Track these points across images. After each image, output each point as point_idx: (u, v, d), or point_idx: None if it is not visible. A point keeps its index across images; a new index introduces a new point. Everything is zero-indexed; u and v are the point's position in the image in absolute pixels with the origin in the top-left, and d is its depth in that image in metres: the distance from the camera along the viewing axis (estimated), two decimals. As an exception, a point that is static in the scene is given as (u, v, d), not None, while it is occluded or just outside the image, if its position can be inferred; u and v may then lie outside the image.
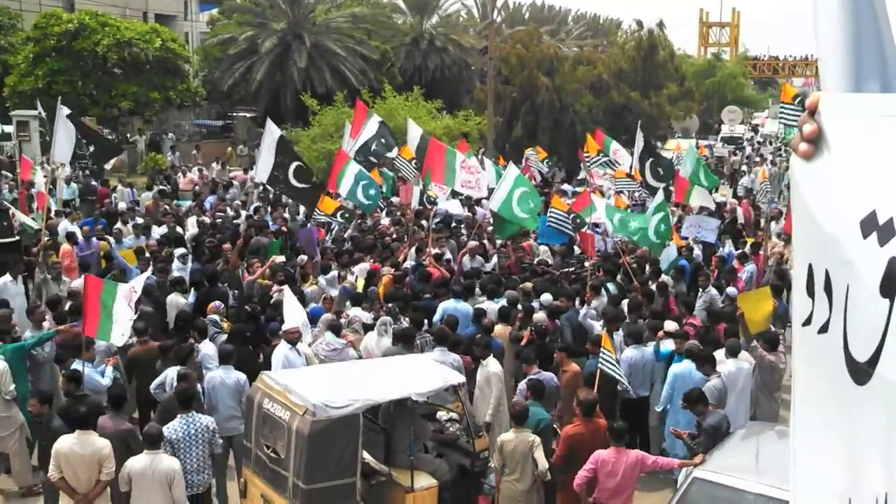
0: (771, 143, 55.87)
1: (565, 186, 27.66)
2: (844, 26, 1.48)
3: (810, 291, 1.46)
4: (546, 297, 13.18)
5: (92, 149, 15.06)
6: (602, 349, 10.01)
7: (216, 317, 11.80)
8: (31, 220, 15.74)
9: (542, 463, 8.68)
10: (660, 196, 16.47)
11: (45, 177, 17.47)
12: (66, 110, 14.52)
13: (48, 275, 13.51)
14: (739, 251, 18.03)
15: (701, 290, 14.56)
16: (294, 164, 15.63)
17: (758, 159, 43.01)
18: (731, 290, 14.13)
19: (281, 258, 15.12)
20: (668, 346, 11.37)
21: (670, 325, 11.88)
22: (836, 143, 1.40)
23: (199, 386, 9.79)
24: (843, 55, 1.50)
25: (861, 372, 1.33)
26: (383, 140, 19.17)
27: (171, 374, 9.97)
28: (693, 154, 19.55)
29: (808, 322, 1.47)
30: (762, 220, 23.83)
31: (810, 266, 1.46)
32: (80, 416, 8.30)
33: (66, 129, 14.23)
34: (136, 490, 8.14)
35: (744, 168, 38.48)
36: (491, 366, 10.63)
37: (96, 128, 22.88)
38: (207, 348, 10.78)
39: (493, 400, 10.44)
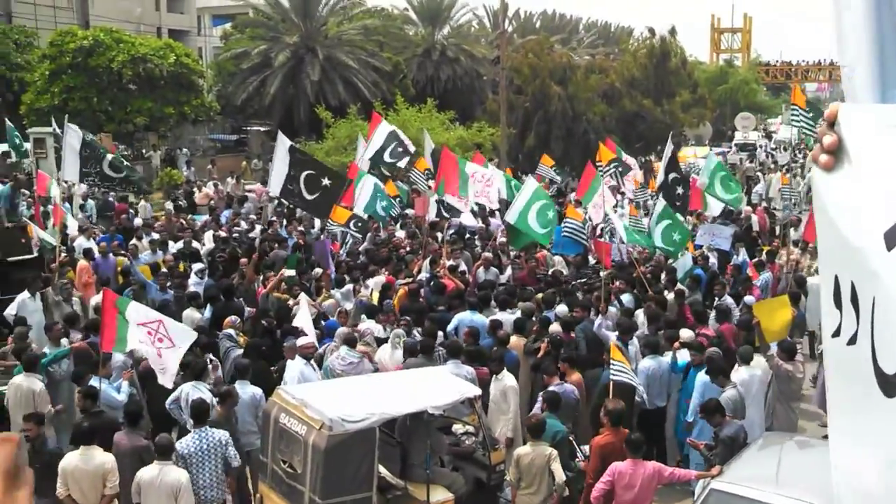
0: (786, 150, 55.58)
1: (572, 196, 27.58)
2: (868, 35, 1.48)
3: (837, 303, 1.45)
4: (561, 309, 13.17)
5: (111, 171, 14.99)
6: (612, 360, 9.98)
7: (232, 331, 11.85)
8: (49, 236, 15.82)
9: (560, 476, 8.66)
10: (661, 203, 16.48)
11: (62, 193, 17.59)
12: (75, 129, 14.53)
13: (59, 297, 13.54)
14: (755, 259, 17.98)
15: (717, 298, 14.50)
16: (304, 174, 15.60)
17: (772, 166, 42.76)
18: (748, 298, 14.07)
19: (291, 272, 15.14)
20: (683, 357, 11.34)
21: (686, 334, 11.84)
22: (856, 155, 1.39)
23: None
24: (868, 64, 1.49)
25: (890, 385, 1.32)
26: (399, 149, 19.23)
27: (186, 388, 10.01)
28: (712, 162, 19.44)
29: (836, 334, 1.46)
30: (777, 227, 23.76)
31: (836, 278, 1.45)
32: (83, 432, 8.36)
33: (73, 149, 14.23)
34: (144, 500, 8.20)
35: (758, 174, 38.29)
36: (506, 380, 10.58)
37: (111, 145, 22.85)
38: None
39: (512, 415, 10.42)
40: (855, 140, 1.40)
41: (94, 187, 18.01)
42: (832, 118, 1.44)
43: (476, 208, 20.87)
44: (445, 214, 19.14)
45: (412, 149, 19.98)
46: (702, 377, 10.53)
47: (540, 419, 9.01)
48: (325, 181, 15.88)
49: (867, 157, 1.38)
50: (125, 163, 15.20)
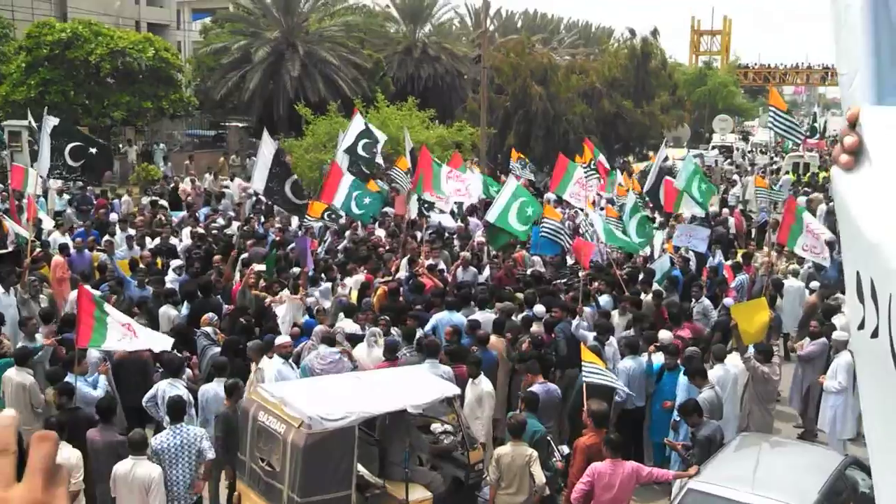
0: (763, 152, 56.07)
1: (549, 196, 27.65)
2: (866, 44, 1.50)
3: (860, 297, 1.48)
4: (539, 309, 13.18)
5: (78, 162, 14.71)
6: (584, 361, 10.01)
7: (209, 329, 11.77)
8: (24, 231, 15.65)
9: (540, 478, 8.68)
10: (631, 198, 16.56)
11: (40, 187, 17.40)
12: (52, 122, 14.23)
13: (27, 294, 13.38)
14: (731, 261, 18.13)
15: (694, 300, 14.60)
16: (291, 179, 15.60)
17: (749, 168, 43.12)
18: (727, 300, 14.20)
19: (262, 266, 15.10)
20: (658, 359, 11.41)
21: (664, 336, 11.91)
22: (877, 155, 1.43)
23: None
24: (866, 72, 1.52)
25: None
26: (370, 141, 19.29)
27: (162, 386, 9.95)
28: (690, 164, 19.57)
29: (861, 326, 1.49)
30: (753, 229, 23.96)
31: (857, 273, 1.48)
32: (50, 426, 8.33)
33: (47, 142, 13.99)
34: (117, 494, 8.23)
35: (734, 177, 38.59)
36: (483, 385, 10.51)
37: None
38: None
39: (485, 419, 10.41)
40: (875, 141, 1.43)
41: (61, 180, 17.67)
42: (853, 119, 1.47)
43: (455, 208, 20.92)
44: (425, 213, 19.15)
45: (381, 138, 20.04)
46: (684, 379, 10.60)
47: (520, 419, 9.02)
48: (308, 195, 16.10)
49: (887, 158, 1.41)
50: (89, 148, 14.82)
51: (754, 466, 8.79)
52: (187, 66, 44.83)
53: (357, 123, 19.73)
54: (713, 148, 51.99)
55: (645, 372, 11.33)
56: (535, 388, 10.41)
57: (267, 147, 15.54)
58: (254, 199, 23.00)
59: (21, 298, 13.17)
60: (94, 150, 14.51)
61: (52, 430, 8.09)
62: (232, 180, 28.71)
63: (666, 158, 18.37)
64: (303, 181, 26.80)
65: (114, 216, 21.51)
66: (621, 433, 9.78)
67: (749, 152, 55.35)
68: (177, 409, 8.86)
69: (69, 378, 9.77)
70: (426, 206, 18.65)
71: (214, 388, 9.86)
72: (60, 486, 1.22)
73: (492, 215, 15.99)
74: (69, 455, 8.21)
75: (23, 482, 1.19)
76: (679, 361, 11.02)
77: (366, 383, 9.56)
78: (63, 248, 16.26)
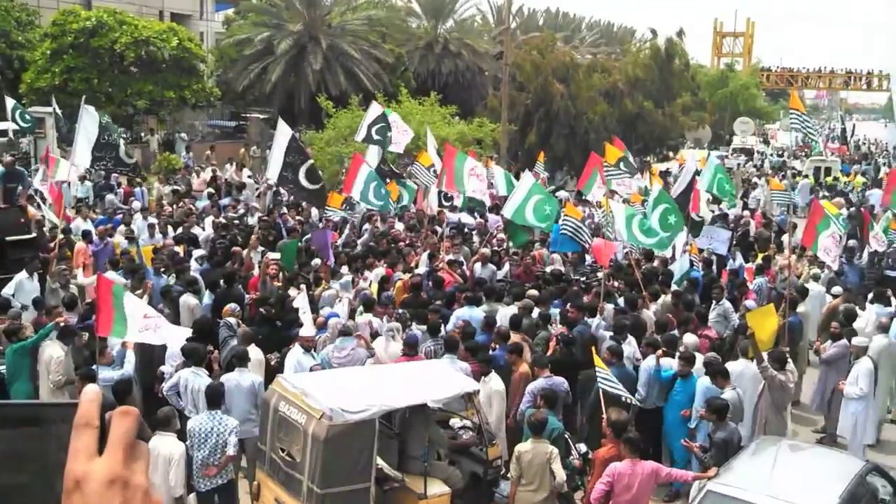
0: (780, 155, 55.77)
1: (561, 193, 27.63)
2: None
3: None
4: (555, 311, 13.18)
5: (120, 155, 14.59)
6: (597, 368, 9.97)
7: (232, 320, 11.84)
8: (54, 217, 15.75)
9: (560, 475, 8.69)
10: (657, 188, 16.47)
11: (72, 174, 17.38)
12: (91, 112, 14.08)
13: (57, 284, 13.45)
14: (751, 264, 18.04)
15: (714, 302, 14.55)
16: (306, 164, 15.62)
17: (769, 172, 42.88)
18: (749, 303, 14.13)
19: (275, 255, 15.17)
20: (670, 364, 11.24)
21: (690, 339, 11.85)
22: None
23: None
24: None
25: None
26: (381, 125, 19.35)
27: (184, 374, 10.03)
28: (713, 166, 19.48)
29: None
30: (773, 233, 23.81)
31: None
32: None
33: (86, 133, 13.84)
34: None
35: (755, 180, 38.39)
36: (493, 383, 10.47)
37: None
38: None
39: (495, 419, 10.40)
40: None
41: (105, 171, 17.59)
42: None
43: (472, 205, 20.99)
44: (445, 204, 19.16)
45: (408, 133, 20.07)
46: (704, 382, 10.55)
47: (541, 417, 9.02)
48: (323, 182, 16.06)
49: None
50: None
51: (773, 470, 8.77)
52: (210, 56, 44.97)
53: (373, 111, 19.77)
54: (734, 151, 51.75)
55: (653, 378, 11.16)
56: (540, 381, 10.44)
57: (282, 136, 15.59)
58: (274, 189, 23.06)
59: (50, 287, 13.23)
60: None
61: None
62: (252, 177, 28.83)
63: (697, 171, 18.27)
64: (323, 173, 26.93)
65: (136, 204, 21.66)
66: (640, 432, 9.80)
67: (771, 155, 55.02)
68: (214, 396, 9.07)
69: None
70: (447, 199, 18.69)
71: (236, 379, 9.91)
72: (140, 461, 1.24)
73: (508, 211, 15.99)
74: None
75: (103, 456, 1.21)
76: (691, 369, 10.82)
77: (387, 376, 9.61)
78: (86, 235, 16.39)
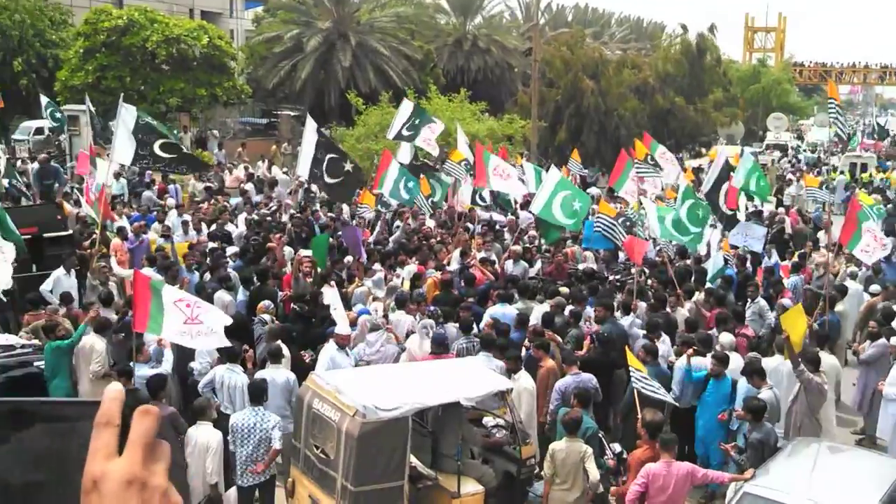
0: (813, 151, 55.12)
1: (592, 190, 27.44)
2: None
3: None
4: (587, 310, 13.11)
5: (163, 153, 14.40)
6: (632, 367, 9.87)
7: (266, 316, 11.88)
8: (93, 213, 15.88)
9: (594, 474, 8.63)
10: (682, 183, 16.31)
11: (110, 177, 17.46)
12: (130, 109, 14.07)
13: (97, 280, 13.53)
14: (787, 261, 17.84)
15: (750, 300, 14.39)
16: (328, 157, 15.64)
17: (804, 167, 42.37)
18: (785, 301, 13.95)
19: (307, 252, 15.22)
20: (702, 364, 11.09)
21: (726, 338, 11.71)
22: None
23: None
24: None
25: None
26: (413, 121, 19.36)
27: (220, 371, 10.08)
28: (748, 162, 19.26)
29: None
30: (810, 230, 23.52)
31: None
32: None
33: (126, 130, 13.81)
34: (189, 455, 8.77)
35: (789, 176, 37.96)
36: (522, 381, 10.37)
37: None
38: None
39: (524, 416, 10.34)
40: None
41: (146, 169, 17.58)
42: None
43: (503, 202, 20.94)
44: (479, 202, 19.12)
45: (438, 126, 20.05)
46: (745, 385, 10.41)
47: (576, 416, 8.96)
48: (348, 166, 15.96)
49: None
50: (175, 141, 14.59)
51: (812, 472, 8.65)
52: (240, 54, 45.23)
53: (405, 109, 19.80)
54: (767, 147, 51.20)
55: (684, 379, 11.00)
56: (567, 379, 10.39)
57: (310, 133, 15.65)
58: (306, 186, 23.14)
59: (90, 284, 13.32)
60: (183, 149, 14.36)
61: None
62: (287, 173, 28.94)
63: (726, 165, 18.05)
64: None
65: (171, 201, 21.82)
66: (674, 433, 9.71)
67: (805, 151, 54.36)
68: (257, 392, 9.11)
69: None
70: (481, 198, 18.67)
71: (270, 375, 9.94)
72: (160, 462, 1.21)
73: (536, 207, 15.91)
74: None
75: (122, 456, 1.18)
76: (724, 370, 10.59)
77: (420, 374, 9.60)
78: (121, 232, 16.53)
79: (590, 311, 13.16)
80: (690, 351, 11.16)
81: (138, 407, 1.23)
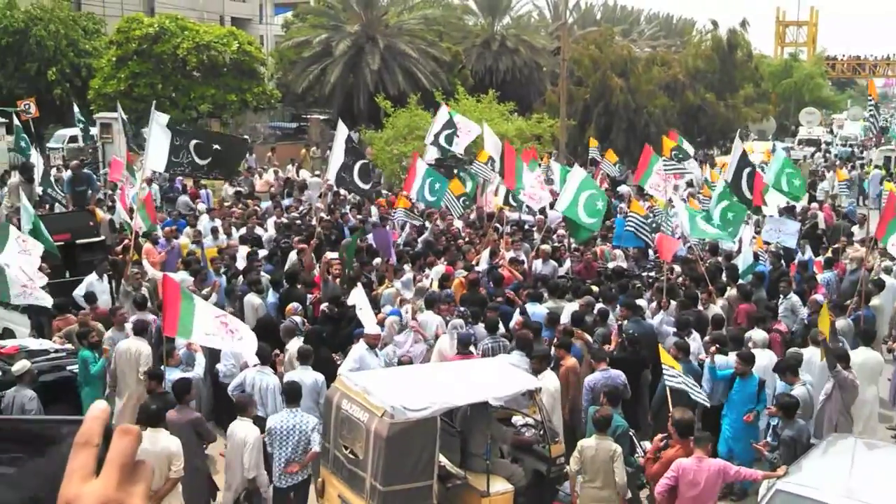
0: (846, 145, 54.36)
1: (623, 188, 27.28)
2: None
3: None
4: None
5: (204, 159, 14.38)
6: (664, 365, 9.79)
7: (298, 319, 11.96)
8: (128, 219, 16.05)
9: (621, 477, 8.57)
10: (721, 184, 16.17)
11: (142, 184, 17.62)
12: (162, 117, 14.06)
13: (130, 287, 13.64)
14: (821, 257, 17.61)
15: (782, 296, 14.23)
16: (359, 163, 15.74)
17: (837, 163, 41.81)
18: (818, 297, 13.78)
19: (333, 254, 15.28)
20: (727, 362, 10.98)
21: (758, 335, 11.58)
22: None
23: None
24: None
25: None
26: (448, 131, 19.37)
27: (250, 374, 10.15)
28: (780, 160, 19.04)
29: None
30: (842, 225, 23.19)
31: None
32: (152, 413, 8.45)
33: (160, 137, 13.76)
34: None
35: (823, 171, 37.48)
36: (546, 381, 10.22)
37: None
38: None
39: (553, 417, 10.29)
40: None
41: (181, 175, 17.57)
42: None
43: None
44: (513, 203, 19.11)
45: (475, 129, 20.01)
46: (778, 381, 10.30)
47: (606, 413, 8.91)
48: (374, 178, 16.13)
49: None
50: (214, 146, 14.34)
51: (847, 469, 8.51)
52: (270, 59, 45.57)
53: (441, 117, 19.81)
54: (799, 142, 50.59)
55: (710, 379, 10.90)
56: (596, 375, 10.38)
57: (341, 138, 15.75)
58: (335, 189, 23.24)
59: (124, 291, 13.42)
60: (218, 147, 14.17)
61: (153, 416, 8.31)
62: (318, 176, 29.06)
63: (744, 154, 17.86)
64: (383, 172, 27.04)
65: (202, 206, 22.01)
66: (706, 430, 9.62)
67: (838, 145, 53.60)
68: (293, 394, 9.14)
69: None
70: (513, 198, 18.65)
71: (299, 376, 9.98)
72: (139, 484, 1.17)
73: (561, 206, 15.88)
74: (170, 443, 8.31)
75: (98, 478, 1.15)
76: (749, 369, 10.44)
77: (449, 374, 9.60)
78: (152, 236, 16.69)
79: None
80: (713, 349, 11.12)
81: (118, 426, 1.19)
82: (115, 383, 10.88)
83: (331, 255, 15.32)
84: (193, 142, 13.86)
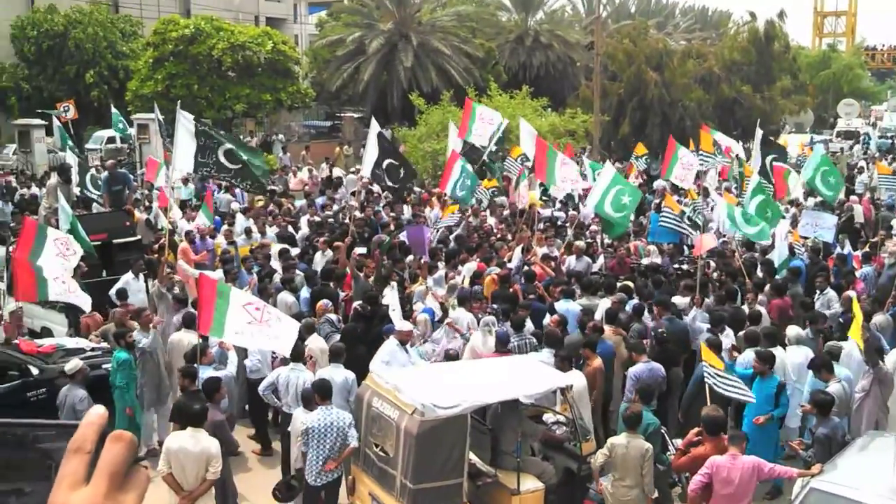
0: (886, 136, 53.41)
1: (658, 183, 27.03)
2: None
3: None
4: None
5: (228, 163, 14.08)
6: (705, 363, 9.63)
7: (333, 316, 12.03)
8: (166, 221, 16.26)
9: (649, 476, 8.50)
10: (755, 178, 16.00)
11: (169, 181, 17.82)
12: (187, 116, 14.16)
13: (164, 289, 13.65)
14: (859, 251, 17.34)
15: (819, 291, 14.04)
16: (386, 162, 15.82)
17: (877, 155, 41.09)
18: (851, 293, 13.58)
19: (362, 249, 15.37)
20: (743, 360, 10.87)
21: (792, 331, 11.44)
22: None
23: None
24: None
25: None
26: (483, 126, 19.43)
27: (284, 372, 10.19)
28: (817, 156, 18.78)
29: None
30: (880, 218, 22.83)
31: None
32: (194, 414, 8.50)
33: (185, 138, 13.86)
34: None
35: (862, 164, 36.85)
36: (575, 378, 10.07)
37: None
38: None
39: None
40: None
41: (209, 178, 17.67)
42: None
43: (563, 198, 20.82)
44: (545, 199, 19.08)
45: (498, 119, 20.00)
46: (811, 378, 10.18)
47: (637, 411, 8.84)
48: (402, 174, 16.16)
49: None
50: (244, 156, 14.39)
51: (885, 468, 8.38)
52: (304, 58, 45.82)
53: (468, 111, 19.89)
54: (838, 134, 49.79)
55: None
56: (639, 366, 10.37)
57: (373, 135, 15.84)
58: (368, 187, 23.33)
59: (158, 292, 13.57)
60: (248, 158, 14.22)
61: (195, 417, 8.34)
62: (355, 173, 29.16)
63: (765, 142, 17.70)
64: (417, 168, 27.11)
65: (235, 205, 22.20)
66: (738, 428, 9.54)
67: (880, 138, 52.67)
68: (324, 391, 9.06)
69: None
70: (545, 194, 18.64)
71: (329, 374, 10.01)
72: (130, 493, 1.15)
73: (590, 203, 15.85)
74: (210, 444, 8.31)
75: (88, 485, 1.13)
76: (768, 368, 10.24)
77: (479, 372, 9.59)
78: (188, 235, 16.89)
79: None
80: (731, 347, 11.09)
81: (111, 433, 1.17)
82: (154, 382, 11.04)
83: (360, 250, 15.39)
84: (224, 146, 13.91)
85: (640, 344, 10.89)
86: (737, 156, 23.51)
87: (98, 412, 1.20)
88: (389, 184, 16.01)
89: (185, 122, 13.85)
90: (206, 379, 9.56)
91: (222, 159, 13.97)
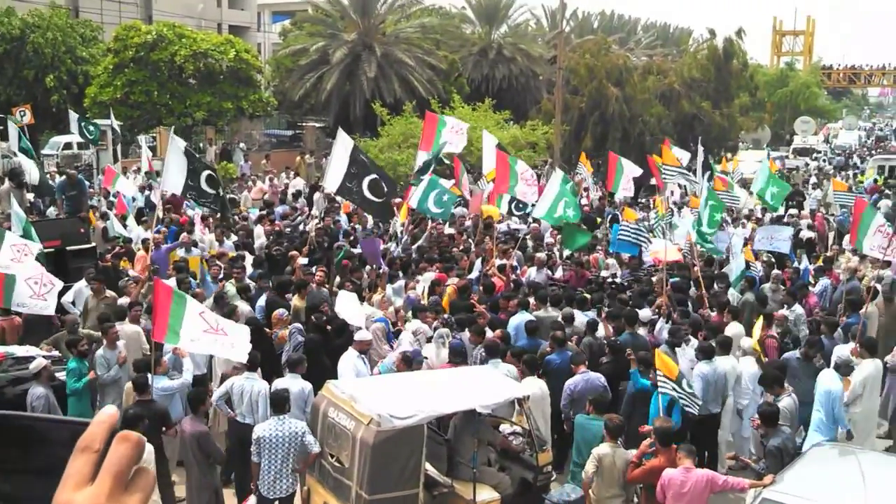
0: (840, 154, 54.44)
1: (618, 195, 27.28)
2: None
3: None
4: (645, 313, 13.18)
5: (208, 188, 14.10)
6: (657, 371, 9.71)
7: (300, 325, 12.00)
8: (122, 229, 16.05)
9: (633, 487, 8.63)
10: (705, 186, 16.28)
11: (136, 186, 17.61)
12: (179, 141, 14.05)
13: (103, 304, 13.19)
14: (814, 265, 17.64)
15: (786, 307, 14.25)
16: (369, 178, 15.55)
17: (831, 171, 41.87)
18: (798, 308, 13.85)
19: (304, 260, 15.29)
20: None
21: (747, 342, 11.59)
22: None
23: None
24: None
25: None
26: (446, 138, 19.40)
27: (238, 381, 10.03)
28: (766, 171, 19.14)
29: None
30: (833, 234, 23.27)
31: None
32: (129, 418, 8.35)
33: (178, 159, 13.67)
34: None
35: (813, 180, 37.53)
36: (533, 387, 10.15)
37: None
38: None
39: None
40: None
41: (192, 200, 17.56)
42: None
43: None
44: (515, 211, 19.09)
45: (463, 128, 19.97)
46: (825, 384, 10.35)
47: (620, 420, 8.92)
48: (386, 187, 15.97)
49: None
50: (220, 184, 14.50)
51: (835, 478, 8.50)
52: (267, 67, 45.58)
53: (432, 122, 19.80)
54: (794, 151, 50.64)
55: (724, 375, 10.93)
56: (576, 377, 10.45)
57: (341, 147, 15.55)
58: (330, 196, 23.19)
59: (94, 305, 13.28)
60: (219, 189, 14.38)
61: (130, 421, 8.23)
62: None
63: (705, 163, 18.24)
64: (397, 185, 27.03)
65: (191, 213, 21.95)
66: (695, 440, 9.62)
67: (835, 155, 53.66)
68: (280, 402, 8.92)
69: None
70: (518, 208, 18.66)
71: (286, 383, 9.92)
72: (135, 494, 1.14)
73: (539, 212, 15.97)
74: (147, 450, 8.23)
75: (92, 485, 1.12)
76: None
77: (436, 382, 9.57)
78: (145, 243, 16.66)
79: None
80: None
81: (119, 433, 1.16)
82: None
83: (301, 261, 15.31)
84: (206, 173, 13.98)
85: (579, 355, 10.95)
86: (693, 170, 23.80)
87: (109, 412, 1.19)
88: (372, 198, 15.60)
89: (177, 146, 13.79)
90: (192, 391, 9.47)
91: (203, 185, 13.96)
